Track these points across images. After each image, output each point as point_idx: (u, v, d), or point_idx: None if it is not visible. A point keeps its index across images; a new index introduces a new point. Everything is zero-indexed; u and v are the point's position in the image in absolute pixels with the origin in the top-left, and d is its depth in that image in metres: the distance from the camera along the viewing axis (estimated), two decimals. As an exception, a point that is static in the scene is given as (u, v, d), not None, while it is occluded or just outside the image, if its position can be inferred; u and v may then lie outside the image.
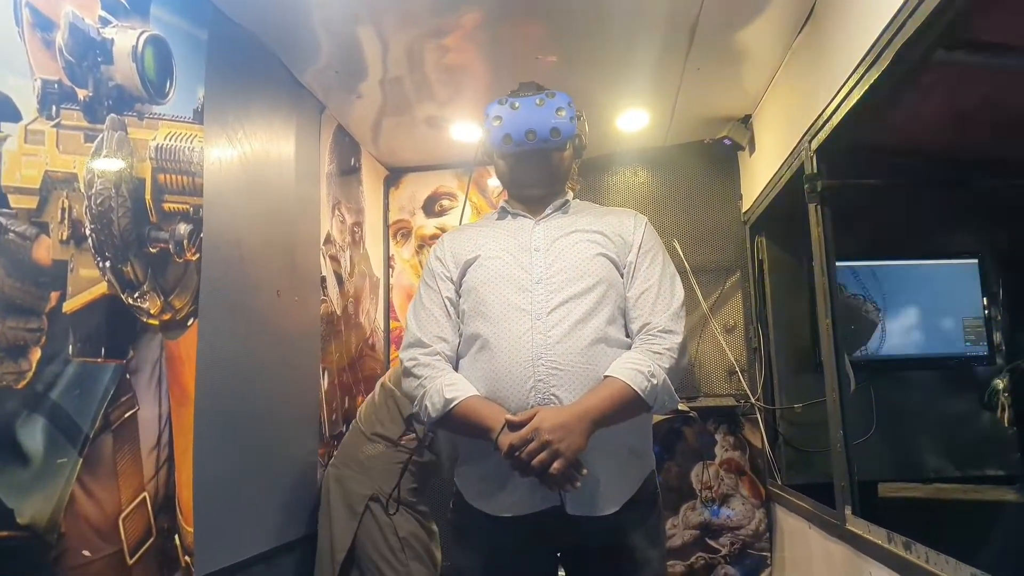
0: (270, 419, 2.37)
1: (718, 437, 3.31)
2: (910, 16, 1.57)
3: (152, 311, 1.79)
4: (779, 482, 3.08)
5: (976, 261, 3.17)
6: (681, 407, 3.11)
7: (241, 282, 2.23)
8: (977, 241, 3.20)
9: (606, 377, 1.55)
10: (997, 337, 3.19)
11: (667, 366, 1.59)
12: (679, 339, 1.63)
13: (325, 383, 2.86)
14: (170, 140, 1.89)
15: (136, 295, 1.74)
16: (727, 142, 3.30)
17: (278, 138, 2.52)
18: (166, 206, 1.87)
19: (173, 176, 1.90)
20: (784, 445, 3.11)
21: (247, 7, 2.19)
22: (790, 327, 3.14)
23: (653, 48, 2.53)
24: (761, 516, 3.22)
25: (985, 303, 3.17)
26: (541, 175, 1.77)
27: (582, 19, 2.33)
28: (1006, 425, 3.10)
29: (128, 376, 1.69)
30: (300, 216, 2.68)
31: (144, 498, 1.74)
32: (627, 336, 1.67)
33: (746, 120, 3.17)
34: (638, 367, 1.55)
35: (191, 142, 1.97)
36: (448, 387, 1.58)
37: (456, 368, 1.69)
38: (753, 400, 3.21)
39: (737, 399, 3.27)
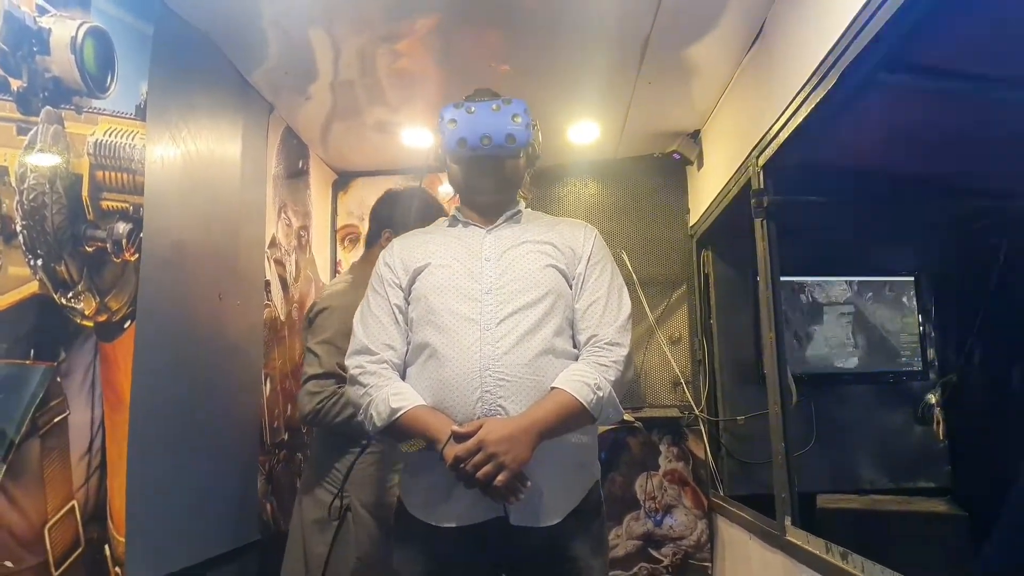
0: (209, 426, 2.30)
1: (662, 448, 3.33)
2: (854, 40, 1.62)
3: (87, 312, 1.72)
4: (721, 493, 3.12)
5: (913, 278, 3.27)
6: (626, 417, 3.13)
7: (181, 284, 2.16)
8: (914, 258, 3.31)
9: (552, 389, 1.56)
10: (931, 353, 3.30)
11: (613, 379, 1.60)
12: (625, 352, 1.64)
13: (267, 390, 2.79)
14: (110, 136, 1.83)
15: (70, 295, 1.67)
16: (676, 156, 3.35)
17: (224, 138, 2.46)
18: (104, 204, 1.80)
19: (112, 173, 1.83)
20: (727, 456, 3.16)
21: (196, 3, 2.13)
22: (734, 340, 3.20)
23: (606, 61, 2.55)
24: (703, 527, 3.25)
25: (920, 320, 3.28)
26: (494, 182, 1.77)
27: (536, 30, 2.34)
28: (939, 439, 3.21)
29: (59, 379, 1.62)
30: (245, 218, 2.62)
31: (73, 507, 1.66)
32: (574, 347, 1.67)
33: (695, 135, 3.22)
34: (584, 379, 1.56)
35: (132, 139, 1.91)
36: (395, 396, 1.57)
37: (403, 376, 1.67)
38: (697, 411, 3.25)
39: (681, 410, 3.30)
